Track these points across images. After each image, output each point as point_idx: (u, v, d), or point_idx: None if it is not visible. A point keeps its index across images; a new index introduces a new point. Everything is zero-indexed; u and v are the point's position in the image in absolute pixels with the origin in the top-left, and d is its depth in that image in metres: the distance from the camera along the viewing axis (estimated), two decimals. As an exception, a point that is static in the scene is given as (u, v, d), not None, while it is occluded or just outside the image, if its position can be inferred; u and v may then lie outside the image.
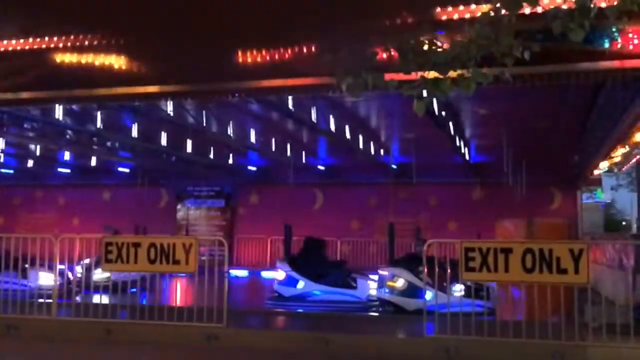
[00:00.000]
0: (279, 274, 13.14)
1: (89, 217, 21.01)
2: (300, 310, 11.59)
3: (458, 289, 9.50)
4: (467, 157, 16.88)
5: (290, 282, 12.96)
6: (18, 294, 9.20)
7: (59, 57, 9.05)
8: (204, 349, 8.03)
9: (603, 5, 4.22)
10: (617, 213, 44.22)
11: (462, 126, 14.05)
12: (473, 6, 7.43)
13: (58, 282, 10.04)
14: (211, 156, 17.50)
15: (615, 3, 4.09)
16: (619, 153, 15.37)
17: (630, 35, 7.17)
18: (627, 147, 14.57)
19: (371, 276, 13.37)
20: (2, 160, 18.37)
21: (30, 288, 9.64)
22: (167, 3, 7.97)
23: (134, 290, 10.39)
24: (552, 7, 4.23)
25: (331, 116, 12.94)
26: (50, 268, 10.94)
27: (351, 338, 8.13)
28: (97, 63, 8.95)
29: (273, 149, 16.54)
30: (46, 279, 11.39)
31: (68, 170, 21.17)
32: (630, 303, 7.72)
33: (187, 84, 9.26)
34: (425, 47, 4.14)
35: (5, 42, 9.29)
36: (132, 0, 8.03)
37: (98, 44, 8.85)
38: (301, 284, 12.89)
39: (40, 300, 9.21)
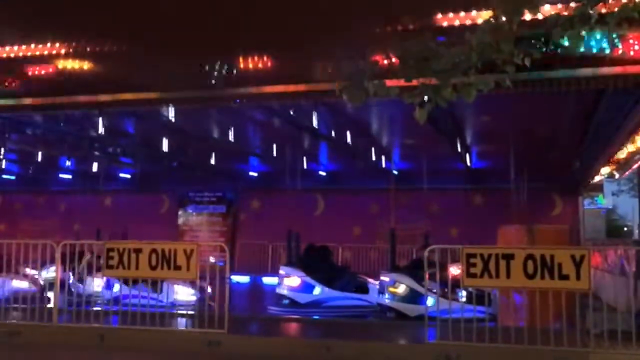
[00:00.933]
0: (293, 280, 12.85)
1: (90, 224, 20.99)
2: (316, 317, 11.55)
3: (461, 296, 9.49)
4: (468, 163, 16.87)
5: (306, 288, 12.80)
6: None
7: (61, 64, 9.09)
8: (206, 355, 8.02)
9: (603, 11, 4.23)
10: (619, 219, 44.19)
11: (464, 132, 14.06)
12: (474, 13, 7.45)
13: (197, 297, 9.80)
14: (212, 162, 17.51)
15: (615, 10, 4.10)
16: (620, 158, 15.36)
17: (631, 41, 7.19)
18: (628, 152, 14.56)
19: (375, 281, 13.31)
20: (3, 166, 18.40)
21: (162, 303, 8.99)
22: (169, 10, 8.00)
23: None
24: (552, 13, 4.24)
25: (333, 122, 12.95)
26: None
27: (352, 344, 8.12)
28: (98, 70, 8.99)
29: (274, 154, 16.54)
30: (184, 293, 11.15)
31: (69, 176, 21.20)
32: (632, 309, 7.71)
33: (189, 91, 9.29)
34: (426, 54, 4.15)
35: (7, 48, 9.33)
36: (134, 8, 8.06)
37: (100, 50, 8.88)
38: (317, 290, 12.78)
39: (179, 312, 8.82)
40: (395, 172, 18.34)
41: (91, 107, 10.41)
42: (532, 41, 4.34)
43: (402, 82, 4.15)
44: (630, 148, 13.49)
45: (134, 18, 8.00)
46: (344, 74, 4.39)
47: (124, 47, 8.79)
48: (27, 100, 10.06)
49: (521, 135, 13.03)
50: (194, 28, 8.16)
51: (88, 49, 8.87)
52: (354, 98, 4.14)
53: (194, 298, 11.21)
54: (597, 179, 19.23)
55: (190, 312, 9.03)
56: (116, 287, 10.29)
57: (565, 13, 4.14)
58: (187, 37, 8.25)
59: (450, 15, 7.58)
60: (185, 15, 8.01)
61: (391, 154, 17.02)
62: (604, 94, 10.01)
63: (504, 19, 3.94)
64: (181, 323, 8.33)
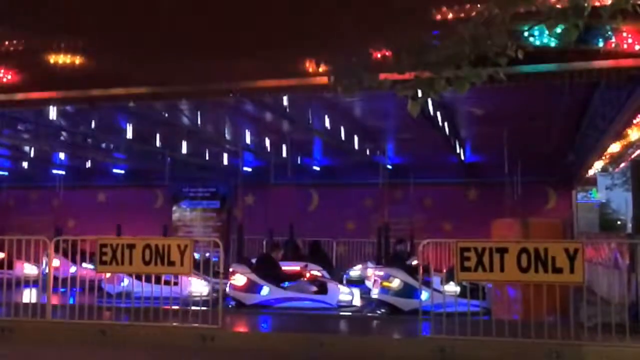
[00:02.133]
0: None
1: (84, 219, 20.92)
2: (311, 312, 11.58)
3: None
4: (462, 157, 16.89)
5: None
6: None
7: (52, 58, 9.02)
8: (200, 350, 8.00)
9: (597, 4, 4.21)
10: (613, 212, 44.27)
11: (457, 126, 14.06)
12: (468, 7, 7.42)
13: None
14: (206, 157, 17.46)
15: (609, 2, 4.08)
16: (613, 152, 15.39)
17: (624, 34, 7.18)
18: (621, 146, 14.59)
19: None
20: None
21: (329, 305, 9.26)
22: (162, 5, 7.95)
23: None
24: (546, 6, 4.22)
25: (326, 117, 12.92)
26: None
27: (347, 339, 8.12)
28: (89, 64, 8.92)
29: (268, 149, 16.52)
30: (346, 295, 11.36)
31: (62, 172, 21.10)
32: (626, 302, 7.73)
33: (182, 85, 9.24)
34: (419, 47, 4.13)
35: (-2, 43, 9.25)
36: (125, 3, 8.01)
37: (90, 45, 8.81)
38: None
39: None
40: (389, 166, 18.35)
41: (81, 102, 10.35)
42: (526, 34, 4.32)
43: (395, 75, 4.13)
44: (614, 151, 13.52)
45: (123, 12, 7.94)
46: (338, 67, 4.36)
47: (115, 42, 8.73)
48: (20, 95, 9.99)
49: (515, 129, 13.05)
50: (186, 24, 8.11)
51: (77, 44, 8.80)
52: (348, 90, 4.12)
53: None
54: (590, 172, 19.25)
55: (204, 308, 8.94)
56: (265, 290, 10.61)
57: (559, 5, 4.12)
58: (179, 33, 8.20)
59: (445, 9, 7.54)
60: (177, 10, 7.96)
61: (385, 148, 17.02)
62: (598, 87, 10.02)
63: (497, 10, 3.92)
64: (175, 318, 8.30)
